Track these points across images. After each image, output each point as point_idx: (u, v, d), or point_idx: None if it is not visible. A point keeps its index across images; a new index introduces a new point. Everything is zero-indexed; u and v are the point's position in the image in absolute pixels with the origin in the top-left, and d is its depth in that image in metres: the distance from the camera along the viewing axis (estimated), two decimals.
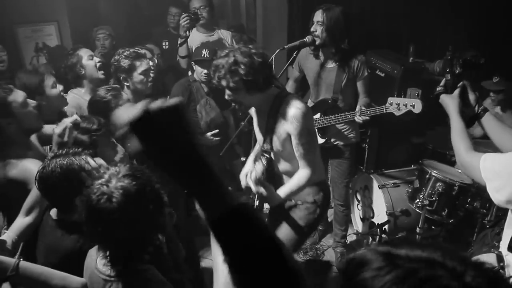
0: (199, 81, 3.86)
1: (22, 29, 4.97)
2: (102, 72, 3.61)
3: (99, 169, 1.96)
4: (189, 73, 4.09)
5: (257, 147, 3.07)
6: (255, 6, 5.72)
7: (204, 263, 3.83)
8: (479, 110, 2.13)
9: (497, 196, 1.82)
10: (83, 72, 3.52)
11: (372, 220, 4.06)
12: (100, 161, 2.18)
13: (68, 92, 3.48)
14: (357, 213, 4.30)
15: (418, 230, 3.43)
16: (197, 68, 3.81)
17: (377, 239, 3.57)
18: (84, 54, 3.55)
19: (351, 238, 4.25)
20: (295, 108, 2.49)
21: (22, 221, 2.25)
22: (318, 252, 4.13)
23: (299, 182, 2.63)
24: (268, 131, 2.65)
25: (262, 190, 2.48)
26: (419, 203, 3.34)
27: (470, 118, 2.14)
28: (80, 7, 5.22)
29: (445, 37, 5.08)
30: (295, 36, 4.99)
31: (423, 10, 5.10)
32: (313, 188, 2.82)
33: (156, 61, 3.91)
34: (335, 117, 3.47)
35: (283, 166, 2.79)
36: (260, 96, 2.52)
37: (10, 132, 2.53)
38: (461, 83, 2.19)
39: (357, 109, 3.41)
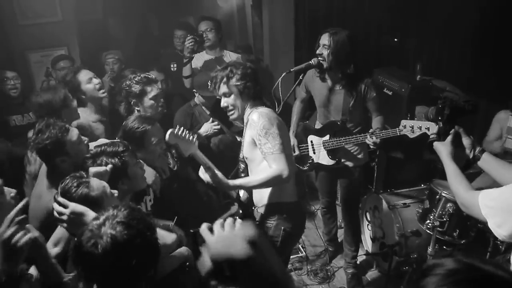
0: (200, 105, 3.90)
1: (33, 55, 5.07)
2: (102, 91, 3.69)
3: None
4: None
5: None
6: (261, 27, 5.78)
7: None
8: (476, 153, 2.18)
9: (500, 231, 1.84)
10: (84, 97, 3.61)
11: (383, 240, 4.02)
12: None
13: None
14: (367, 233, 4.26)
15: (429, 251, 3.38)
16: (199, 98, 3.89)
17: (389, 260, 3.53)
18: (83, 77, 3.61)
19: (361, 258, 4.20)
20: (256, 113, 2.69)
21: (50, 251, 2.27)
22: (329, 273, 4.09)
23: (258, 177, 2.68)
24: (242, 140, 2.86)
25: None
26: (430, 224, 3.30)
27: (467, 161, 2.18)
28: (90, 32, 5.32)
29: (453, 53, 5.10)
30: (302, 57, 5.03)
31: (430, 27, 5.13)
32: (281, 214, 2.82)
33: (162, 87, 3.97)
34: (345, 139, 3.47)
35: (251, 173, 2.86)
36: (249, 103, 2.76)
37: (63, 169, 2.60)
38: (453, 129, 2.24)
39: (370, 131, 3.41)
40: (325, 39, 3.36)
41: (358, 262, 4.08)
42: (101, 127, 3.66)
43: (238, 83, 2.71)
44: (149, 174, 2.93)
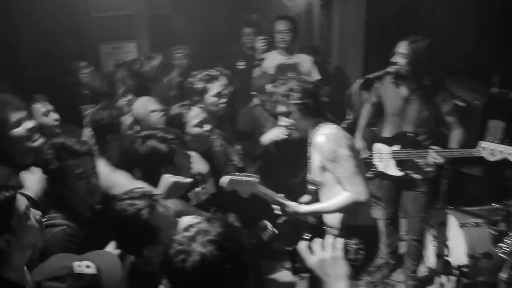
0: (261, 106, 3.84)
1: (105, 46, 5.20)
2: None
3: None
4: None
5: None
6: (329, 28, 5.66)
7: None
8: None
9: None
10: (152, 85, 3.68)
11: (447, 258, 3.84)
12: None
13: (137, 99, 3.58)
14: (430, 249, 4.08)
15: (501, 276, 3.19)
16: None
17: (455, 281, 3.37)
18: (155, 63, 3.73)
19: (423, 274, 4.00)
20: (320, 135, 2.56)
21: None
22: (388, 287, 3.96)
23: (334, 201, 2.58)
24: (311, 162, 2.73)
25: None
26: (506, 248, 3.12)
27: None
28: (160, 26, 5.39)
29: None
30: (371, 62, 4.88)
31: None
32: (361, 238, 2.69)
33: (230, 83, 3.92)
34: (417, 152, 3.34)
35: (324, 197, 2.73)
36: (311, 122, 2.64)
37: (111, 147, 2.86)
38: None
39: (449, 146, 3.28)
40: (403, 48, 3.23)
41: (418, 276, 3.92)
42: (155, 118, 3.56)
43: (298, 102, 2.58)
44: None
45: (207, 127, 3.05)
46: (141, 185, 2.35)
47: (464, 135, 3.41)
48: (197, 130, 3.00)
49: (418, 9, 5.19)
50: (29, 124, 2.54)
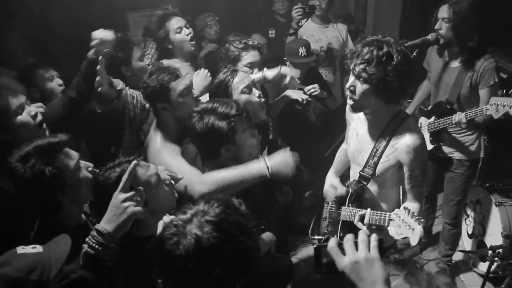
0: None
1: (132, 15, 5.11)
2: (192, 43, 3.36)
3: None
4: None
5: (339, 159, 2.87)
6: None
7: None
8: None
9: None
10: (171, 47, 3.32)
11: (482, 238, 3.68)
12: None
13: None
14: (464, 228, 3.93)
15: None
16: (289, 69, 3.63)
17: (489, 263, 3.22)
18: (173, 25, 3.30)
19: (456, 256, 3.84)
20: (415, 138, 2.20)
21: None
22: (418, 265, 3.84)
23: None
24: (374, 155, 2.34)
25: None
26: None
27: None
28: None
29: None
30: (409, 30, 4.64)
31: None
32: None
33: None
34: (445, 120, 3.13)
35: (377, 193, 2.48)
36: (385, 107, 2.23)
37: (165, 118, 2.53)
38: None
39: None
40: (444, 12, 3.00)
41: (453, 261, 3.78)
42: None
43: (389, 78, 2.04)
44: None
45: (256, 92, 2.70)
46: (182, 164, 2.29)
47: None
48: (245, 96, 2.63)
49: None
50: (32, 109, 2.36)
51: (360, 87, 2.13)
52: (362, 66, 2.07)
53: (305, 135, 3.98)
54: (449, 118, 3.10)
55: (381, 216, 2.22)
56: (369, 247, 1.29)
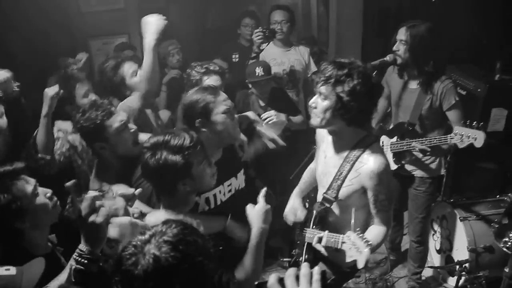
0: (256, 94, 3.73)
1: (95, 42, 5.08)
2: None
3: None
4: None
5: (305, 179, 2.86)
6: (327, 18, 5.51)
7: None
8: None
9: None
10: (129, 92, 3.16)
11: (450, 253, 3.73)
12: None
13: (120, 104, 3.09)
14: (432, 244, 3.97)
15: (505, 271, 3.07)
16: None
17: (457, 277, 3.25)
18: (128, 70, 3.18)
19: (426, 272, 3.87)
20: (379, 163, 2.20)
21: None
22: (388, 283, 3.85)
23: (377, 239, 2.31)
24: (338, 178, 2.34)
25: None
26: (509, 242, 2.99)
27: None
28: None
29: None
30: (370, 51, 4.74)
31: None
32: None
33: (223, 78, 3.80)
34: (408, 142, 3.17)
35: (341, 216, 2.46)
36: (348, 130, 2.26)
37: (105, 157, 2.48)
38: None
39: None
40: (402, 34, 3.10)
41: (423, 277, 3.80)
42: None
43: (347, 97, 2.09)
44: None
45: (232, 116, 2.56)
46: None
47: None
48: (222, 117, 2.46)
49: None
50: None
51: (321, 104, 2.18)
52: (322, 83, 2.15)
53: (272, 157, 3.97)
54: (413, 141, 3.14)
55: (336, 238, 2.23)
56: (311, 281, 1.25)
